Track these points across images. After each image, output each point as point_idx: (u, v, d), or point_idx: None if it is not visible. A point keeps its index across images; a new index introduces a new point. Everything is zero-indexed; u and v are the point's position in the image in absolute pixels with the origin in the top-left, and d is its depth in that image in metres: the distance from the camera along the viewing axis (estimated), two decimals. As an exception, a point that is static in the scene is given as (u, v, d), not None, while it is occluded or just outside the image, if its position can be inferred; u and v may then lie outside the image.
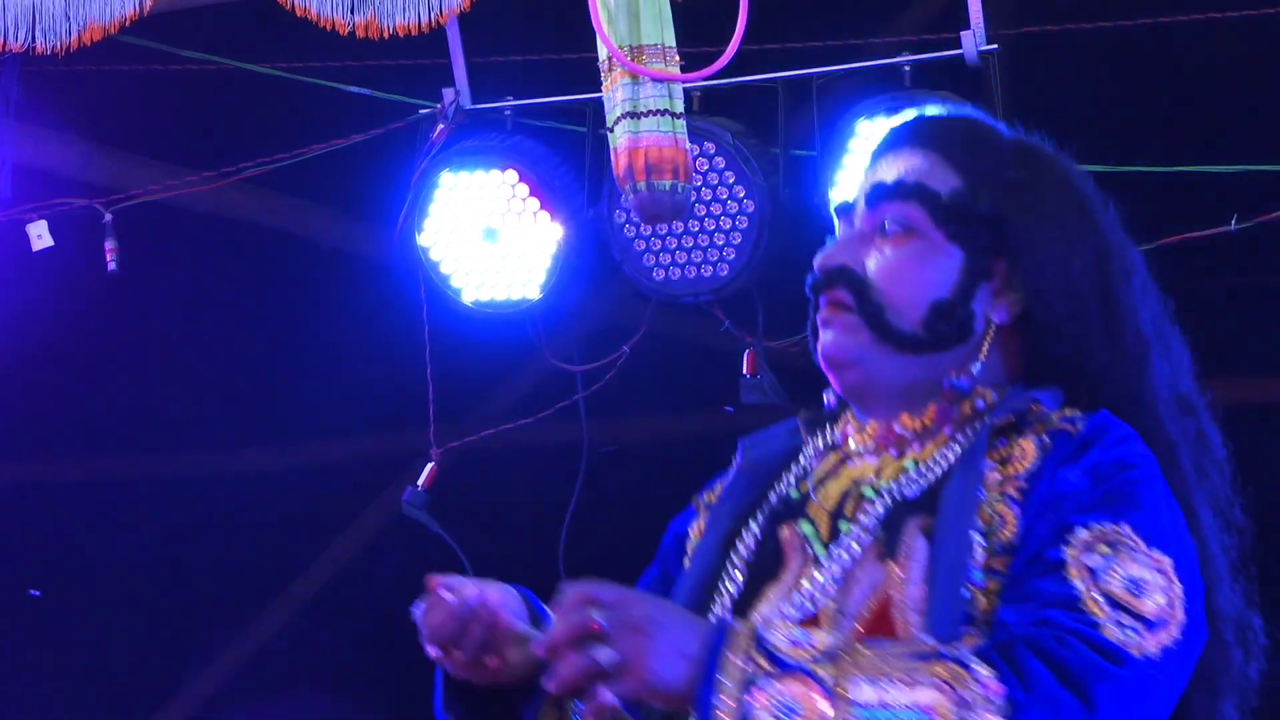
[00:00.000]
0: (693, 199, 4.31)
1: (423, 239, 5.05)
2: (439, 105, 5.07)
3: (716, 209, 4.87)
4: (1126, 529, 2.26)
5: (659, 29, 2.74)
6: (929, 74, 4.73)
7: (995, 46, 4.67)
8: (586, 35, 4.05)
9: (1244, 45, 5.57)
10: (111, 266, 5.13)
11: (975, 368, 2.44)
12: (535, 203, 4.99)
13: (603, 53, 2.76)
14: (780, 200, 4.86)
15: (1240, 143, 5.27)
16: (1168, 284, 2.53)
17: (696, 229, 4.88)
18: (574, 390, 5.21)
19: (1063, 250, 2.44)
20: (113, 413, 6.99)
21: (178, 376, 6.94)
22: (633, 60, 2.71)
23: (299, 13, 4.29)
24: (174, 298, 6.68)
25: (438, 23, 4.33)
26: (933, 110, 2.62)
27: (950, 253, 2.46)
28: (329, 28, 4.30)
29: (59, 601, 7.31)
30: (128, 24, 4.42)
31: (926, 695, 2.12)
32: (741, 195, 4.86)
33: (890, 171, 2.50)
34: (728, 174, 4.86)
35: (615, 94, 2.73)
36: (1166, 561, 2.26)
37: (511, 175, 5.00)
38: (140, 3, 4.39)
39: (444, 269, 5.06)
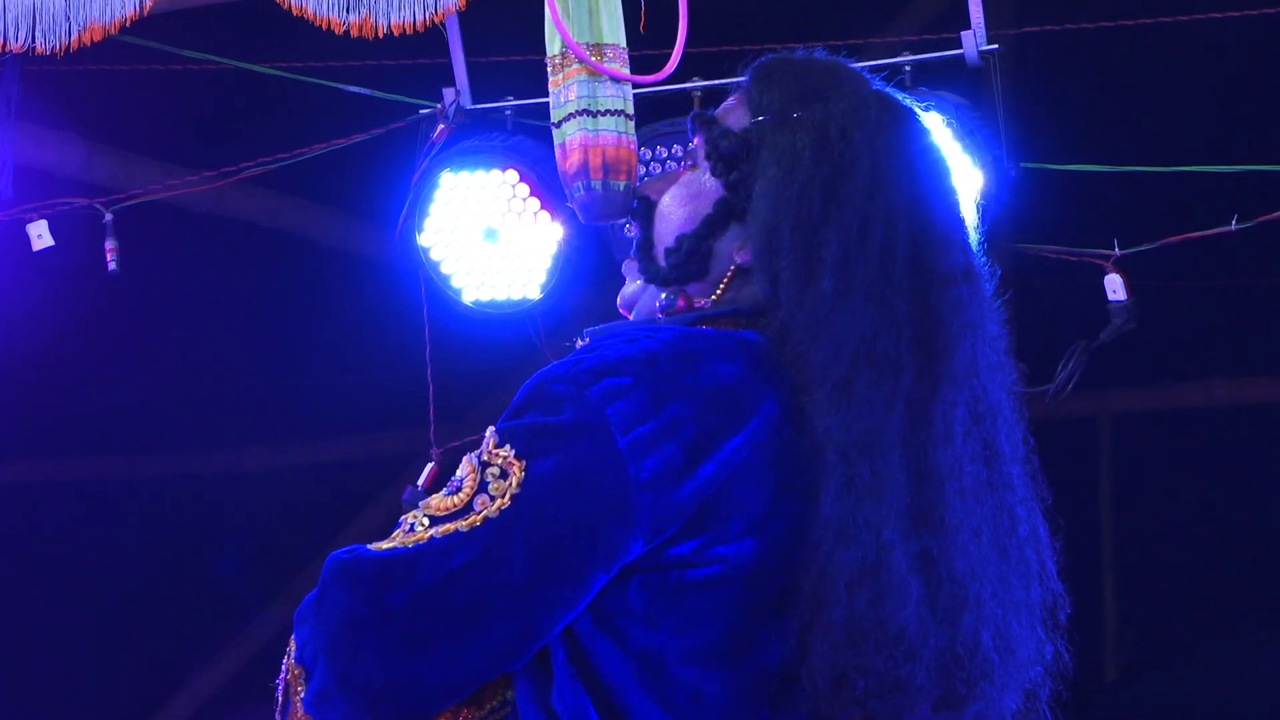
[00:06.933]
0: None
1: (423, 239, 5.04)
2: (439, 105, 5.06)
3: (716, 209, 4.87)
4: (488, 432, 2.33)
5: (615, 29, 2.73)
6: (930, 74, 4.72)
7: (995, 46, 4.67)
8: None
9: (1244, 45, 5.58)
10: (111, 266, 5.12)
11: (705, 303, 2.41)
12: (535, 203, 4.99)
13: (553, 48, 2.75)
14: (780, 200, 4.85)
15: (1240, 143, 5.27)
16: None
17: (697, 229, 4.87)
18: (574, 390, 5.19)
19: (777, 186, 2.34)
20: (113, 413, 7.00)
21: (178, 377, 6.95)
22: (594, 59, 2.70)
23: (295, 12, 4.28)
24: (174, 298, 6.68)
25: (433, 21, 4.32)
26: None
27: (712, 188, 2.44)
28: (325, 27, 4.29)
29: (59, 601, 7.31)
30: (128, 24, 4.41)
31: None
32: (741, 195, 4.85)
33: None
34: (728, 174, 4.85)
35: (569, 90, 2.72)
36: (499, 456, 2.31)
37: (512, 175, 4.99)
38: (140, 3, 4.38)
39: (444, 269, 5.06)
